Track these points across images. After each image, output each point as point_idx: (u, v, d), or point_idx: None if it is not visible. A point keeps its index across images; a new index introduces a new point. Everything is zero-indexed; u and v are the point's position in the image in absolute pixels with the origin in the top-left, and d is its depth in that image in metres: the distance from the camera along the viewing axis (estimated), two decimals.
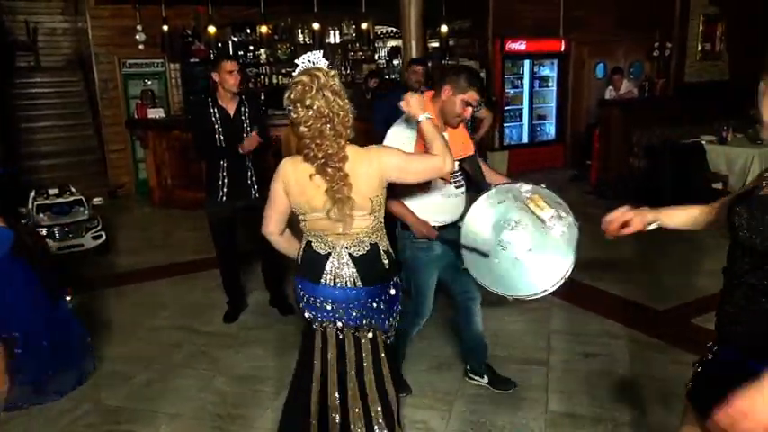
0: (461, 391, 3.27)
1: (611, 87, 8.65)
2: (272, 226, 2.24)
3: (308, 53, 2.11)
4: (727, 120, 7.18)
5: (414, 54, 6.18)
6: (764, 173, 1.64)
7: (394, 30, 9.81)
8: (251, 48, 9.38)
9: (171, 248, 6.15)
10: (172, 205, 7.85)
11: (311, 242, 2.17)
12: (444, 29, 9.07)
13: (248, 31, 9.35)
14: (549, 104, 10.01)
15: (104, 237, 5.87)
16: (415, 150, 2.54)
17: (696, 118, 7.69)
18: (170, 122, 8.18)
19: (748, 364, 1.50)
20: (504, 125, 9.57)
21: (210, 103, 3.98)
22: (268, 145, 4.15)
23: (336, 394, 2.21)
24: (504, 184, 2.69)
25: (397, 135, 2.71)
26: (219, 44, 9.01)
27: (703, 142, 7.01)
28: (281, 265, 4.16)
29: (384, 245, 2.20)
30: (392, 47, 10.22)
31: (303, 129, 2.00)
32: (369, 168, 2.07)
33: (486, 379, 3.28)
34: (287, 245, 2.32)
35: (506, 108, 9.55)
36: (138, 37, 8.45)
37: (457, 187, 2.82)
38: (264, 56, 9.47)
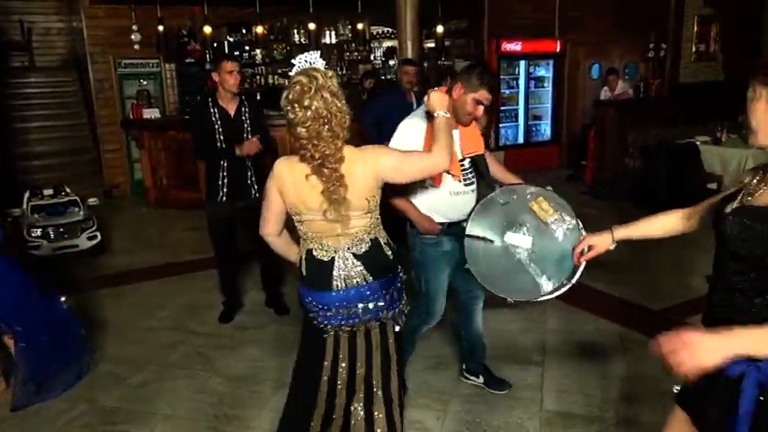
0: (457, 391, 3.27)
1: (606, 88, 8.69)
2: (270, 227, 2.23)
3: (306, 53, 2.10)
4: (721, 120, 7.21)
5: (409, 54, 6.19)
6: (745, 176, 1.66)
7: (390, 30, 9.82)
8: (247, 48, 9.39)
9: (166, 249, 6.13)
10: (167, 205, 7.84)
11: (312, 250, 2.15)
12: (440, 29, 9.08)
13: (244, 31, 9.35)
14: (545, 105, 10.03)
15: (99, 237, 5.85)
16: (425, 142, 2.56)
17: (691, 118, 7.72)
18: (165, 123, 8.17)
19: (732, 364, 1.52)
20: (500, 125, 9.59)
21: (211, 104, 3.97)
22: (269, 146, 4.15)
23: (345, 390, 2.21)
24: (510, 185, 2.70)
25: (411, 126, 2.72)
26: (215, 44, 9.00)
27: (698, 143, 7.03)
28: (279, 267, 4.16)
29: (383, 237, 2.21)
30: (388, 47, 10.23)
31: (301, 129, 1.99)
32: (364, 169, 2.07)
33: (481, 379, 3.29)
34: (285, 247, 2.32)
35: (502, 108, 9.57)
36: (133, 37, 8.42)
37: (466, 184, 2.82)
38: (260, 56, 9.47)
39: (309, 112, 1.97)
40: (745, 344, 1.36)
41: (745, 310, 1.52)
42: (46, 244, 5.54)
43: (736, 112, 6.14)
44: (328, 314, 2.14)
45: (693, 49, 9.91)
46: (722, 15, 9.80)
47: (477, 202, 2.71)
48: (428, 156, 2.18)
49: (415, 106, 5.19)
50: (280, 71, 9.43)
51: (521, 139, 9.95)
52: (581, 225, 2.40)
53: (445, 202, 2.79)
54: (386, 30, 10.08)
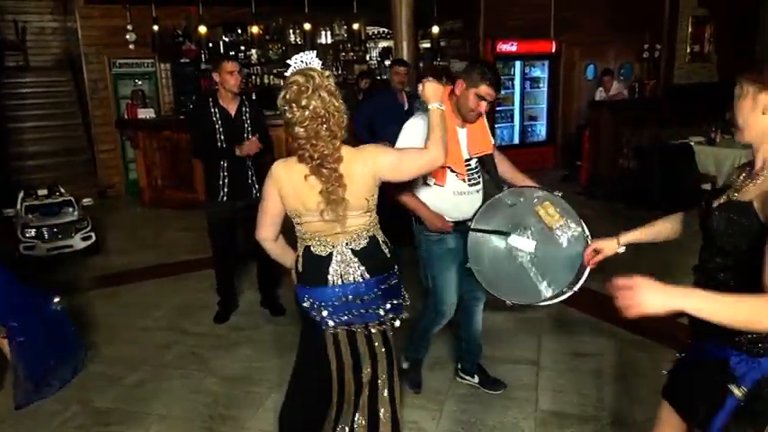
0: (452, 391, 3.28)
1: (601, 89, 8.71)
2: (266, 231, 2.21)
3: (301, 53, 2.09)
4: (715, 121, 7.22)
5: (405, 55, 6.20)
6: (733, 174, 1.67)
7: (385, 30, 9.82)
8: (242, 48, 9.36)
9: (161, 249, 6.12)
10: (162, 205, 7.83)
11: (310, 246, 2.15)
12: (435, 30, 9.10)
13: (239, 31, 9.33)
14: (540, 105, 10.06)
15: (94, 237, 5.82)
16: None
17: (685, 119, 7.74)
18: (160, 123, 8.15)
19: (715, 354, 1.56)
20: (495, 126, 9.60)
21: (211, 103, 3.97)
22: (269, 146, 4.15)
23: (353, 387, 2.21)
24: (519, 186, 2.69)
25: (413, 126, 2.71)
26: (210, 44, 8.99)
27: (692, 143, 7.05)
28: (275, 267, 4.15)
29: (381, 236, 2.21)
30: (384, 47, 10.23)
31: (299, 129, 1.98)
32: (363, 168, 2.07)
33: (476, 379, 3.29)
34: (281, 252, 2.30)
35: (497, 109, 9.58)
36: (128, 37, 8.41)
37: (471, 185, 2.81)
38: (256, 56, 9.45)
39: (307, 112, 1.96)
40: (691, 302, 1.37)
41: None
42: (40, 244, 5.52)
43: (729, 112, 6.16)
44: (324, 312, 2.13)
45: (688, 50, 9.94)
46: (716, 16, 9.83)
47: (484, 202, 2.72)
48: (425, 152, 2.18)
49: (406, 107, 5.21)
50: (275, 71, 9.42)
51: (516, 140, 9.97)
52: (588, 233, 2.39)
53: (448, 201, 2.78)
54: (381, 30, 10.08)
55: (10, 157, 8.12)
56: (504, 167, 2.99)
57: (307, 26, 9.06)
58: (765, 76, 1.52)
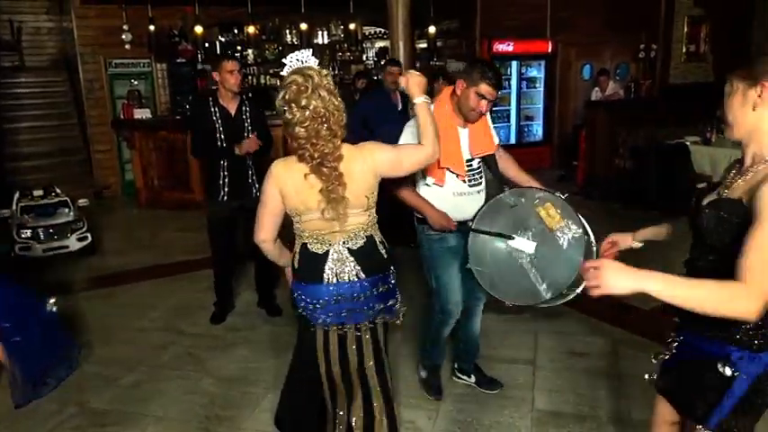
0: (448, 391, 3.27)
1: (597, 89, 8.73)
2: (265, 233, 2.19)
3: (297, 52, 2.08)
4: (711, 121, 7.24)
5: (401, 55, 6.19)
6: (727, 173, 1.68)
7: (382, 30, 9.82)
8: (238, 48, 9.35)
9: (157, 249, 6.11)
10: (158, 206, 7.81)
11: (307, 243, 2.15)
12: (432, 30, 9.11)
13: (236, 31, 9.32)
14: (537, 105, 10.06)
15: (90, 238, 5.81)
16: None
17: (681, 119, 7.75)
18: (157, 123, 8.14)
19: (715, 352, 1.57)
20: (492, 126, 9.59)
21: (211, 103, 3.96)
22: (269, 145, 4.14)
23: (343, 386, 2.22)
24: (521, 187, 2.69)
25: (411, 126, 2.70)
26: (206, 44, 8.97)
27: (688, 143, 7.07)
28: (273, 268, 4.14)
29: (378, 236, 2.21)
30: (380, 47, 10.22)
31: (299, 129, 1.98)
32: (363, 166, 2.07)
33: (473, 378, 3.30)
34: (278, 253, 2.30)
35: (494, 109, 9.54)
36: (124, 37, 8.40)
37: (472, 185, 2.81)
38: (252, 56, 9.44)
39: (308, 112, 1.96)
40: (653, 284, 1.39)
41: None
42: (36, 245, 5.50)
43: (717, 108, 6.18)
44: (318, 310, 2.13)
45: (684, 50, 9.96)
46: (712, 16, 9.86)
47: (485, 203, 2.71)
48: (420, 147, 2.18)
49: (400, 107, 5.22)
50: (272, 71, 9.41)
51: (512, 140, 9.97)
52: (590, 233, 2.38)
53: (448, 202, 2.78)
54: (378, 30, 10.07)
55: (5, 157, 8.10)
56: (507, 166, 2.99)
57: (303, 26, 9.05)
58: (754, 73, 1.52)
